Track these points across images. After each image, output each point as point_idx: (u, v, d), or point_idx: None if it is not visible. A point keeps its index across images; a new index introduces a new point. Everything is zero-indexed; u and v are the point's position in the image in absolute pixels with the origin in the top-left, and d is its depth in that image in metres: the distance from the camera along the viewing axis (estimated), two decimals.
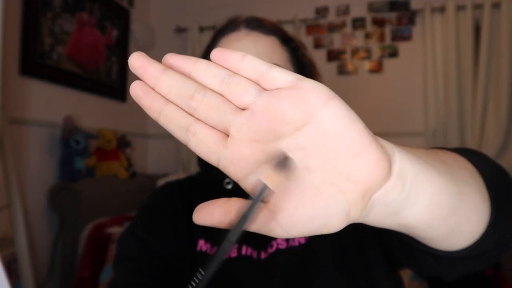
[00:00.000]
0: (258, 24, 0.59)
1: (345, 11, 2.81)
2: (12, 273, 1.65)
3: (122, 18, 2.77)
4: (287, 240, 0.56)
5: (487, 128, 2.48)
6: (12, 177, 1.70)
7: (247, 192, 0.27)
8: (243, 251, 0.57)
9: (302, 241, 0.56)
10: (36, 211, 2.00)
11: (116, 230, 1.94)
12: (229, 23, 0.62)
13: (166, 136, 3.11)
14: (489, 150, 2.46)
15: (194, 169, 3.00)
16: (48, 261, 2.06)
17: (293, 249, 0.56)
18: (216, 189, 0.62)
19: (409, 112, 2.68)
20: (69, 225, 2.02)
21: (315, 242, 0.56)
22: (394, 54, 2.71)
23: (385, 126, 2.67)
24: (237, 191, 0.59)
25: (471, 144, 2.50)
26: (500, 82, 2.44)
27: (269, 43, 0.58)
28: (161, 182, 2.64)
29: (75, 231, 2.00)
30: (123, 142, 2.61)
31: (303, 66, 0.62)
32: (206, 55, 0.63)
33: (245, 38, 0.58)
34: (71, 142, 2.08)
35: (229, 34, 0.60)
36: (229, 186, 0.60)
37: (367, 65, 2.75)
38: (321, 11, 2.86)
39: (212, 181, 0.63)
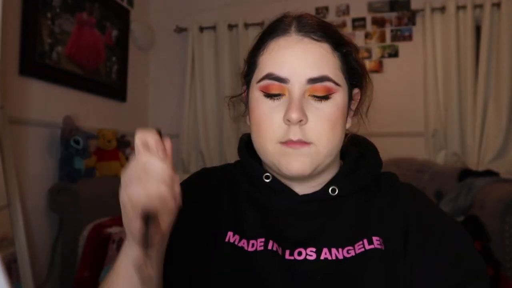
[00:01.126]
0: (309, 29, 0.56)
1: (345, 11, 2.81)
2: (12, 273, 1.65)
3: (122, 18, 2.77)
4: (317, 252, 0.56)
5: (488, 128, 2.48)
6: (11, 177, 1.70)
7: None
8: (269, 246, 0.57)
9: (340, 257, 0.56)
10: (36, 211, 1.99)
11: (116, 230, 1.94)
12: (278, 23, 0.59)
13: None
14: (490, 150, 2.46)
15: (193, 169, 3.00)
16: (48, 261, 2.06)
17: (326, 262, 0.55)
18: (253, 181, 0.63)
19: (409, 112, 2.67)
20: (69, 225, 2.01)
21: (359, 266, 0.55)
22: (394, 54, 2.71)
23: (385, 126, 2.66)
24: (274, 185, 0.61)
25: (472, 144, 2.50)
26: (501, 82, 2.44)
27: (319, 52, 0.56)
28: None
29: (74, 232, 2.00)
30: (123, 142, 2.61)
31: (354, 72, 0.60)
32: (253, 53, 0.62)
33: (295, 46, 0.56)
34: (71, 142, 2.07)
35: (278, 37, 0.57)
36: (268, 180, 0.61)
37: (367, 65, 2.75)
38: (321, 11, 2.86)
39: (251, 173, 0.63)
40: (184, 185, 0.66)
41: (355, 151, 0.65)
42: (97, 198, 2.14)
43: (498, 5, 2.46)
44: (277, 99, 0.56)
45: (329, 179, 0.61)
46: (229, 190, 0.65)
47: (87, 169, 2.21)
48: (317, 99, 0.55)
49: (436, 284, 0.53)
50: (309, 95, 0.55)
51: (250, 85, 0.61)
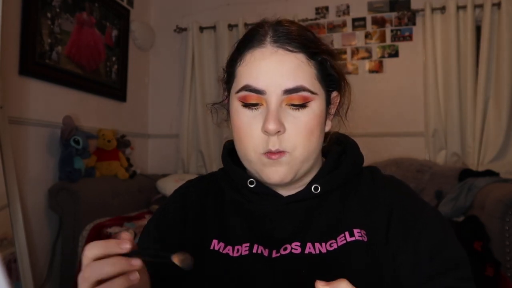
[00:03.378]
0: (284, 40, 0.57)
1: (345, 11, 2.81)
2: (12, 273, 1.65)
3: (122, 18, 2.77)
4: (302, 247, 0.58)
5: (488, 128, 2.47)
6: (12, 177, 1.70)
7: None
8: (254, 249, 0.59)
9: (323, 250, 0.57)
10: (36, 211, 1.99)
11: (116, 230, 1.94)
12: (255, 33, 0.60)
13: (166, 136, 3.12)
14: (490, 150, 2.46)
15: (193, 169, 3.00)
16: (47, 261, 2.06)
17: (311, 256, 0.57)
18: (238, 187, 0.65)
19: (409, 112, 2.67)
20: (69, 225, 2.01)
21: (341, 258, 0.56)
22: (394, 54, 2.71)
23: (385, 126, 2.66)
24: (258, 189, 0.62)
25: (472, 144, 2.50)
26: (501, 82, 2.44)
27: (294, 62, 0.56)
28: (161, 182, 2.64)
29: (74, 231, 2.00)
30: (123, 142, 2.61)
31: (331, 80, 0.61)
32: (231, 63, 0.63)
33: (270, 58, 0.56)
34: (71, 142, 2.07)
35: (254, 49, 0.58)
36: (252, 185, 0.62)
37: (367, 65, 2.75)
38: (321, 11, 2.86)
39: (236, 179, 0.65)
40: (170, 199, 0.70)
41: (336, 149, 0.67)
42: (97, 198, 2.14)
43: (498, 5, 2.46)
44: (255, 109, 0.57)
45: (312, 178, 0.63)
46: (213, 199, 0.67)
47: (87, 169, 2.21)
48: (294, 108, 0.57)
49: (417, 273, 0.55)
50: (286, 105, 0.57)
51: (230, 94, 0.63)
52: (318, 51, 0.59)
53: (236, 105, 0.59)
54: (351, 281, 0.54)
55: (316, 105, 0.58)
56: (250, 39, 0.59)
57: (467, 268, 0.55)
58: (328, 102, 0.62)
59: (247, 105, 0.58)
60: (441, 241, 0.57)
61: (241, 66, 0.59)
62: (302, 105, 0.57)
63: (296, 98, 0.56)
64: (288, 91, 0.56)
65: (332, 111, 0.64)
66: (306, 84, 0.56)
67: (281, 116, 0.56)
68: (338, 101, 0.65)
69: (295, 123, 0.56)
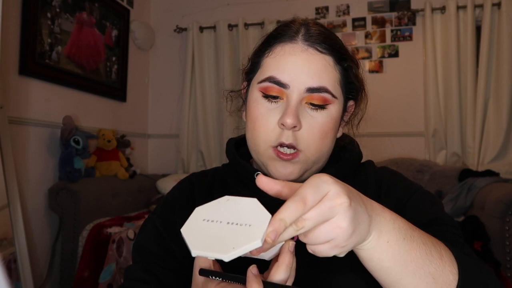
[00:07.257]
0: (316, 40, 0.58)
1: (345, 11, 2.81)
2: (12, 273, 1.65)
3: (122, 18, 2.77)
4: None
5: (488, 128, 2.48)
6: (12, 177, 1.70)
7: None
8: None
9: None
10: (36, 211, 1.99)
11: (116, 230, 1.94)
12: (286, 28, 0.60)
13: (166, 136, 3.12)
14: (490, 150, 2.46)
15: (193, 169, 3.00)
16: (47, 261, 2.06)
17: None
18: (244, 180, 0.65)
19: (409, 112, 2.67)
20: (69, 225, 2.01)
21: None
22: (394, 54, 2.71)
23: (385, 126, 2.66)
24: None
25: (472, 144, 2.50)
26: (501, 82, 2.44)
27: (322, 63, 0.58)
28: (161, 182, 2.64)
29: (74, 231, 2.00)
30: (123, 142, 2.61)
31: (352, 87, 0.63)
32: (257, 54, 0.63)
33: (299, 55, 0.57)
34: (71, 142, 2.07)
35: (285, 43, 0.59)
36: None
37: (367, 65, 2.75)
38: (321, 11, 2.86)
39: (242, 172, 0.65)
40: (174, 191, 0.69)
41: (338, 145, 0.68)
42: (97, 198, 2.14)
43: (498, 5, 2.46)
44: (275, 101, 0.58)
45: (315, 171, 0.65)
46: (219, 192, 0.67)
47: (87, 169, 2.21)
48: (313, 107, 0.58)
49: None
50: (306, 103, 0.58)
51: (251, 83, 0.63)
52: (346, 57, 0.60)
53: (256, 95, 0.60)
54: (353, 270, 0.55)
55: (334, 109, 0.59)
56: (282, 33, 0.60)
57: (457, 229, 0.58)
58: (344, 108, 0.64)
59: (267, 97, 0.58)
60: (428, 206, 0.60)
61: (269, 57, 0.60)
62: (321, 106, 0.58)
63: (317, 98, 0.57)
64: (310, 90, 0.57)
65: (346, 118, 0.66)
66: (329, 87, 0.58)
67: (299, 113, 0.57)
68: (353, 110, 0.67)
69: (311, 123, 0.57)
